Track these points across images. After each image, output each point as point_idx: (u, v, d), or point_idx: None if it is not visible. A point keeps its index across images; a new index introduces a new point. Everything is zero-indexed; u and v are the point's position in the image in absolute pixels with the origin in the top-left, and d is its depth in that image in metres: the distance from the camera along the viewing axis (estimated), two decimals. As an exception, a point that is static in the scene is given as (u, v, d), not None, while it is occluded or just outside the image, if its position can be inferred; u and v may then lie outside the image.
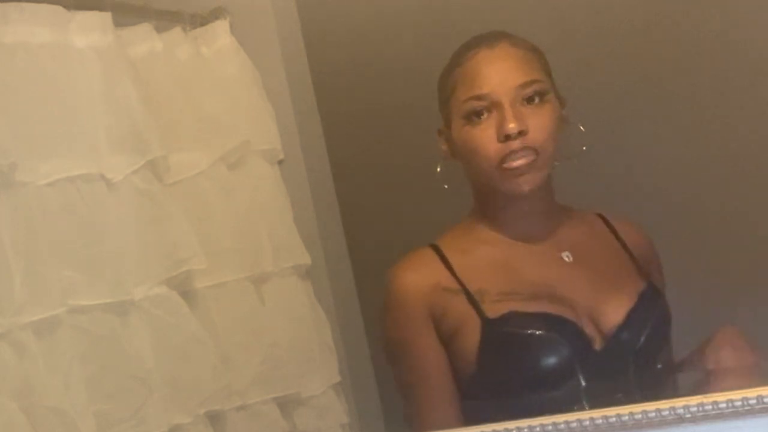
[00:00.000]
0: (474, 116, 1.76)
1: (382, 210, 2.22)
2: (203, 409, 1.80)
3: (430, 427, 1.78)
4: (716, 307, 1.96)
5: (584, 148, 1.81)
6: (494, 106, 1.75)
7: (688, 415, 1.53)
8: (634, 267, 1.81)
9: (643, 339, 1.74)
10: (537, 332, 1.72)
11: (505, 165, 1.73)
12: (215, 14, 2.09)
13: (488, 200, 1.81)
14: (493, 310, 1.74)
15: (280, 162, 2.12)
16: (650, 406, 1.56)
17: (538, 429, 1.60)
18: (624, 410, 1.56)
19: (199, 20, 2.07)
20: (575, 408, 1.68)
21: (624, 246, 1.83)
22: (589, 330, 1.74)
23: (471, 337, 1.75)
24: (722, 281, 2.03)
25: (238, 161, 2.01)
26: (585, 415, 1.59)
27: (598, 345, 1.74)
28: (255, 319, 1.98)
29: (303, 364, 2.03)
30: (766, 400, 1.51)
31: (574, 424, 1.59)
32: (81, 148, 1.70)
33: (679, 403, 1.54)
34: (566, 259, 1.80)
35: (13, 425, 1.51)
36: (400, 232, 2.15)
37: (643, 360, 1.74)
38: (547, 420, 1.60)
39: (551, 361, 1.72)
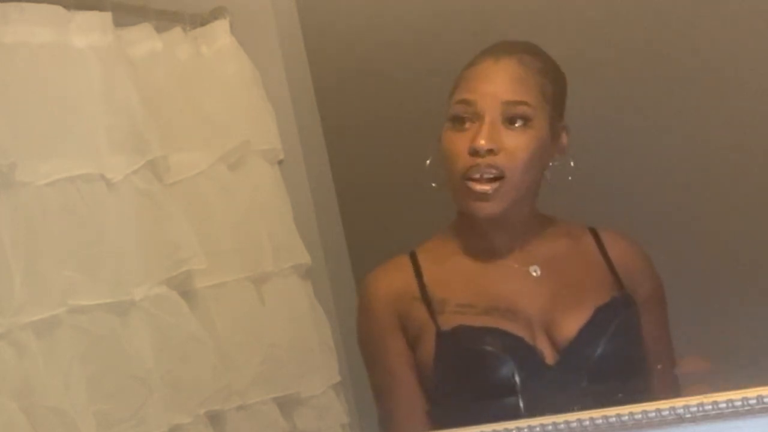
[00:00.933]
0: (458, 121, 1.76)
1: (382, 210, 2.21)
2: (203, 409, 1.80)
3: (399, 429, 1.80)
4: (713, 310, 1.96)
5: (572, 164, 1.80)
6: (477, 117, 1.74)
7: (688, 415, 1.54)
8: (608, 280, 1.80)
9: (598, 353, 1.74)
10: (484, 347, 1.73)
11: (469, 183, 1.73)
12: (215, 14, 2.09)
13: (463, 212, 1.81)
14: (447, 322, 1.75)
15: (280, 162, 2.12)
16: (650, 406, 1.56)
17: (538, 429, 1.60)
18: (624, 410, 1.56)
19: (199, 20, 2.07)
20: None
21: (607, 259, 1.82)
22: (541, 345, 1.74)
23: (428, 346, 1.76)
24: (719, 285, 2.03)
25: (238, 161, 2.01)
26: (585, 415, 1.59)
27: (550, 359, 1.74)
28: (255, 319, 1.98)
29: (303, 364, 2.03)
30: (766, 400, 1.51)
31: (574, 424, 1.59)
32: (81, 148, 1.70)
33: (679, 403, 1.55)
34: (533, 273, 1.79)
35: (13, 425, 1.51)
36: (400, 232, 2.14)
37: (600, 373, 1.74)
38: (547, 420, 1.60)
39: (497, 375, 1.73)
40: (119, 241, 1.72)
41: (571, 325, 1.75)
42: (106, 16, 1.78)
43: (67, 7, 1.72)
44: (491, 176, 1.73)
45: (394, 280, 1.81)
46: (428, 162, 1.83)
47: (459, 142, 1.75)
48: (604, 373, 1.74)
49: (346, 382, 2.11)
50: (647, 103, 2.11)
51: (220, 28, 2.07)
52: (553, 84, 1.78)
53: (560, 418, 1.60)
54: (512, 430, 1.61)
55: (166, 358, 1.75)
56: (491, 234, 1.80)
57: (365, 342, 1.85)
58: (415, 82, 2.11)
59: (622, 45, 2.10)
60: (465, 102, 1.76)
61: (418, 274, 1.80)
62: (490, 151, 1.72)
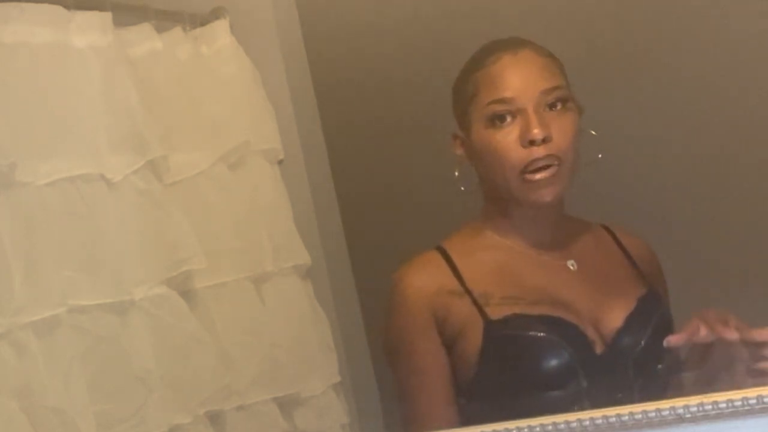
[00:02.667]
0: (497, 120, 1.76)
1: (382, 210, 2.22)
2: (203, 409, 1.80)
3: (426, 430, 1.79)
4: (714, 306, 1.96)
5: (600, 155, 1.82)
6: (518, 111, 1.75)
7: (688, 415, 1.53)
8: (636, 275, 1.83)
9: (643, 343, 1.75)
10: (538, 334, 1.73)
11: (528, 176, 1.74)
12: (215, 14, 2.09)
13: (500, 206, 1.81)
14: (495, 313, 1.75)
15: (280, 162, 2.12)
16: (650, 406, 1.56)
17: (538, 429, 1.60)
18: (624, 410, 1.56)
19: (199, 20, 2.07)
20: (575, 410, 1.68)
21: (628, 255, 1.84)
22: (590, 334, 1.75)
23: (473, 338, 1.75)
24: (723, 283, 2.03)
25: (238, 161, 2.01)
26: (585, 415, 1.59)
27: (599, 349, 1.75)
28: (255, 319, 1.98)
29: (303, 364, 2.03)
30: (766, 400, 1.51)
31: (574, 424, 1.59)
32: (81, 148, 1.70)
33: (679, 403, 1.54)
34: (571, 267, 1.81)
35: (13, 425, 1.51)
36: (400, 232, 2.15)
37: (644, 363, 1.75)
38: (547, 420, 1.60)
39: (552, 363, 1.72)
40: (119, 241, 1.72)
41: (617, 315, 1.76)
42: (106, 16, 1.78)
43: (67, 7, 1.72)
44: (550, 163, 1.74)
45: (428, 275, 1.80)
46: (456, 173, 1.83)
47: (505, 139, 1.75)
48: (649, 364, 1.75)
49: (346, 382, 2.11)
50: (646, 102, 2.11)
51: (220, 28, 2.07)
52: (562, 65, 1.81)
53: (560, 418, 1.60)
54: (512, 429, 1.61)
55: (166, 358, 1.75)
56: (529, 228, 1.81)
57: (396, 341, 1.82)
58: (415, 82, 2.12)
59: (625, 42, 2.11)
60: (502, 101, 1.76)
61: (453, 268, 1.79)
62: (545, 139, 1.73)
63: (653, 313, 1.78)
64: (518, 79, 1.77)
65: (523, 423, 1.61)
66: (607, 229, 1.87)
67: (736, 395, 1.52)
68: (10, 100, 1.62)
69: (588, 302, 1.77)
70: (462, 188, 1.83)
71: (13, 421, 1.51)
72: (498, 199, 1.81)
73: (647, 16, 2.11)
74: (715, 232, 2.07)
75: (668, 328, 1.79)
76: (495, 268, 1.81)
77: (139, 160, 1.77)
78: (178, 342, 1.79)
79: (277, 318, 2.01)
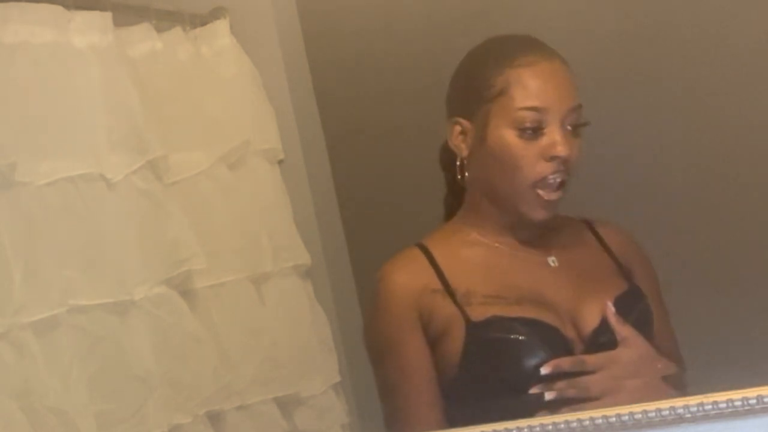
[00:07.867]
0: (525, 129, 1.72)
1: (382, 210, 2.21)
2: (203, 409, 1.81)
3: (411, 429, 1.78)
4: (713, 309, 1.96)
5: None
6: (546, 123, 1.72)
7: (688, 415, 1.54)
8: (616, 270, 1.81)
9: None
10: (518, 337, 1.71)
11: (541, 192, 1.72)
12: (215, 14, 2.09)
13: (486, 205, 1.80)
14: (477, 313, 1.74)
15: (280, 162, 2.12)
16: (650, 406, 1.56)
17: (538, 429, 1.60)
18: (624, 410, 1.57)
19: (199, 20, 2.07)
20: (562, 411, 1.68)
21: (608, 250, 1.82)
22: (570, 334, 1.74)
23: (455, 339, 1.74)
24: (719, 285, 2.03)
25: (238, 161, 2.02)
26: (585, 415, 1.59)
27: (577, 350, 1.73)
28: (255, 319, 1.98)
29: (303, 364, 2.03)
30: (766, 400, 1.51)
31: (574, 424, 1.59)
32: (81, 148, 1.71)
33: (679, 403, 1.55)
34: (552, 264, 1.79)
35: (13, 425, 1.51)
36: (400, 232, 2.14)
37: None
38: (547, 420, 1.60)
39: (531, 365, 1.71)
40: (119, 240, 1.73)
41: (594, 314, 1.74)
42: (106, 16, 1.78)
43: (67, 7, 1.73)
44: (561, 180, 1.73)
45: (411, 273, 1.78)
46: (458, 163, 1.79)
47: (527, 148, 1.72)
48: None
49: (346, 382, 2.11)
50: (645, 100, 2.11)
51: (220, 28, 2.07)
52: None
53: (560, 418, 1.60)
54: (512, 429, 1.61)
55: (166, 358, 1.75)
56: (512, 228, 1.79)
57: (380, 340, 1.81)
58: (416, 82, 2.11)
59: (621, 41, 2.11)
60: (535, 110, 1.72)
61: (435, 266, 1.78)
62: (566, 159, 1.72)
63: (632, 311, 1.76)
64: (554, 91, 1.73)
65: (523, 423, 1.61)
66: (587, 223, 1.85)
67: (736, 395, 1.52)
68: (9, 100, 1.62)
69: (568, 300, 1.76)
70: (459, 176, 1.79)
71: (13, 421, 1.51)
72: (489, 198, 1.79)
73: (647, 16, 2.10)
74: (712, 230, 2.07)
75: (648, 325, 1.77)
76: (476, 266, 1.79)
77: (139, 160, 1.78)
78: (178, 342, 1.79)
79: (277, 318, 2.01)
